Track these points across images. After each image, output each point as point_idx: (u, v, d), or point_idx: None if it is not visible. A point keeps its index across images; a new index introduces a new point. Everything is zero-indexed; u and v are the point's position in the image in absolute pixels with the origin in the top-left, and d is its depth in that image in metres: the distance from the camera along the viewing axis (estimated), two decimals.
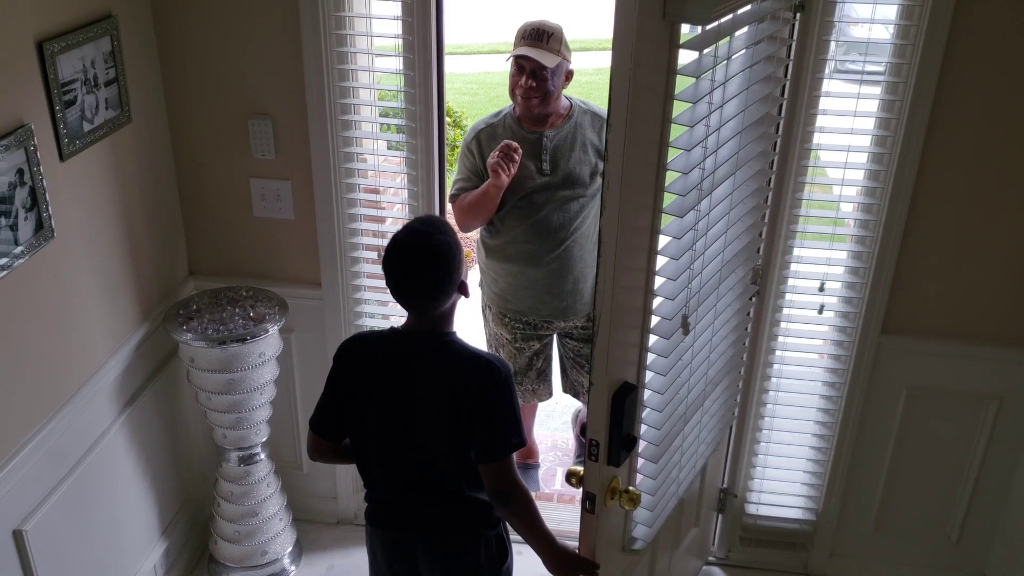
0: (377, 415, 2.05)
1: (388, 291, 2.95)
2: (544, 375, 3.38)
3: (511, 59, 2.94)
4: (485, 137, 3.04)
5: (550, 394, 3.46)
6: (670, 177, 1.92)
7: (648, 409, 2.14)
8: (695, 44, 1.81)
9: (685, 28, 1.77)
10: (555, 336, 3.33)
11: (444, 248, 1.95)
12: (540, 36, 2.90)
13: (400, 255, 1.95)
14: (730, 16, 1.92)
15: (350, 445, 2.14)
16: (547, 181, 2.98)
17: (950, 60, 2.37)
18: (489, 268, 3.20)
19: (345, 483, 3.23)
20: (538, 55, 2.87)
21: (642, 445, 2.17)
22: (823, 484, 2.98)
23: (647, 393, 2.12)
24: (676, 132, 1.90)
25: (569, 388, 3.46)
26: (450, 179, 3.16)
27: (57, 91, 2.21)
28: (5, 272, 2.09)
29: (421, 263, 1.94)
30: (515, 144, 2.90)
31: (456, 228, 2.60)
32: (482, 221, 3.09)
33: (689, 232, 2.00)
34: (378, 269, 2.95)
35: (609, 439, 1.95)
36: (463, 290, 2.02)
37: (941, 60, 2.36)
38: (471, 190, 3.04)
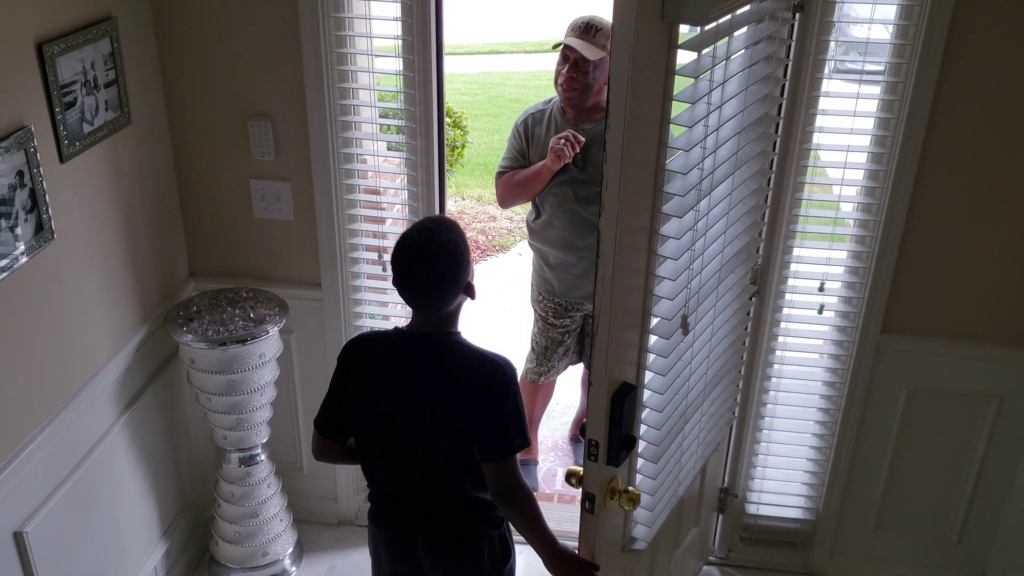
0: (380, 415, 2.05)
1: (387, 292, 3.00)
2: (569, 350, 3.47)
3: (559, 49, 3.05)
4: (532, 122, 3.17)
5: (570, 364, 3.55)
6: (669, 178, 1.92)
7: (648, 409, 2.14)
8: (693, 45, 1.81)
9: (684, 29, 1.77)
10: (582, 316, 3.40)
11: (452, 248, 1.95)
12: (588, 29, 2.98)
13: (409, 253, 1.95)
14: (728, 17, 1.92)
15: (354, 446, 2.14)
16: (579, 172, 3.06)
17: (949, 60, 2.37)
18: (532, 248, 3.36)
19: (346, 484, 3.24)
20: (582, 47, 2.95)
21: (642, 445, 2.17)
22: (823, 484, 2.98)
23: (647, 393, 2.12)
24: (675, 132, 1.90)
25: (585, 359, 3.53)
26: (450, 180, 3.17)
27: (57, 93, 2.21)
28: (5, 274, 2.09)
29: (429, 262, 1.94)
30: (582, 138, 2.99)
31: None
32: (525, 199, 3.23)
33: (688, 232, 2.01)
34: (378, 270, 2.96)
35: (608, 439, 1.95)
36: (469, 292, 2.02)
37: (940, 60, 2.36)
38: (515, 169, 3.17)
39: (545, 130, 3.12)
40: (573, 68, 2.98)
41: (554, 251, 3.21)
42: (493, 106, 10.06)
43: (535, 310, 3.43)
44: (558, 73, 3.05)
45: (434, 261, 1.93)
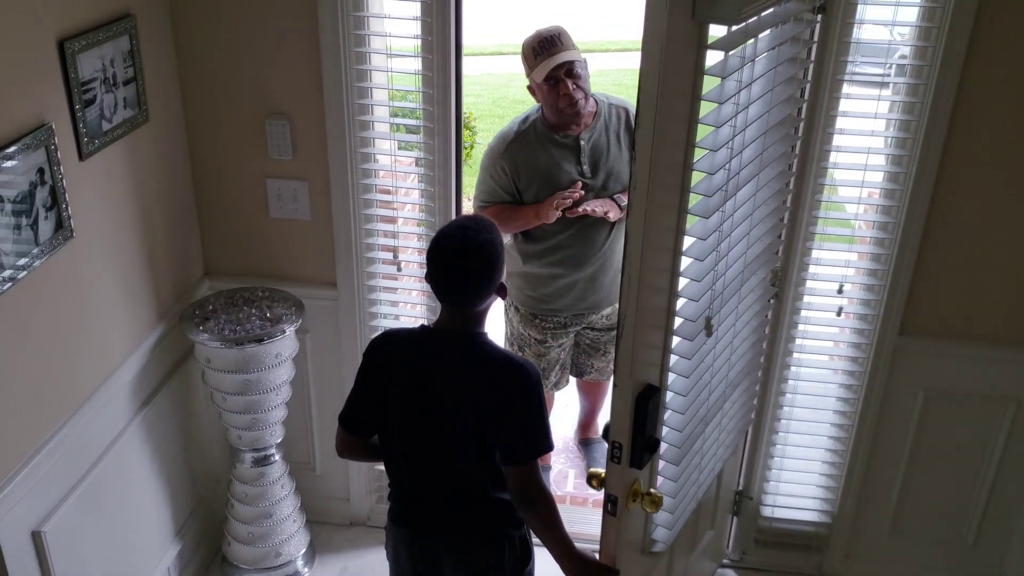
0: (405, 413, 2.04)
1: (401, 292, 2.99)
2: (565, 366, 3.40)
3: (539, 81, 2.88)
4: (517, 148, 2.98)
5: (568, 382, 3.49)
6: (696, 178, 1.92)
7: (670, 411, 2.13)
8: (723, 45, 1.81)
9: (713, 29, 1.77)
10: (575, 331, 3.33)
11: (490, 247, 1.95)
12: (551, 43, 2.89)
13: (447, 251, 1.95)
14: (756, 17, 1.91)
15: (378, 442, 2.13)
16: (589, 184, 2.96)
17: (971, 63, 2.36)
18: (523, 272, 3.14)
19: (358, 485, 3.22)
20: (565, 55, 2.86)
21: (663, 447, 2.16)
22: (839, 486, 2.97)
23: (669, 395, 2.11)
24: (702, 133, 1.89)
25: (574, 370, 3.44)
26: (466, 181, 3.13)
27: (77, 90, 2.20)
28: (26, 272, 2.08)
29: (466, 259, 1.94)
30: (578, 194, 2.90)
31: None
32: (508, 233, 3.08)
33: (714, 233, 2.00)
34: (393, 270, 2.94)
35: (632, 441, 1.94)
36: (501, 292, 2.02)
37: (962, 63, 2.35)
38: (500, 205, 3.03)
39: (536, 152, 2.95)
40: (570, 77, 2.85)
41: (561, 270, 3.06)
42: (498, 107, 10.06)
43: (529, 335, 3.24)
44: (555, 97, 2.87)
45: (472, 260, 1.93)
